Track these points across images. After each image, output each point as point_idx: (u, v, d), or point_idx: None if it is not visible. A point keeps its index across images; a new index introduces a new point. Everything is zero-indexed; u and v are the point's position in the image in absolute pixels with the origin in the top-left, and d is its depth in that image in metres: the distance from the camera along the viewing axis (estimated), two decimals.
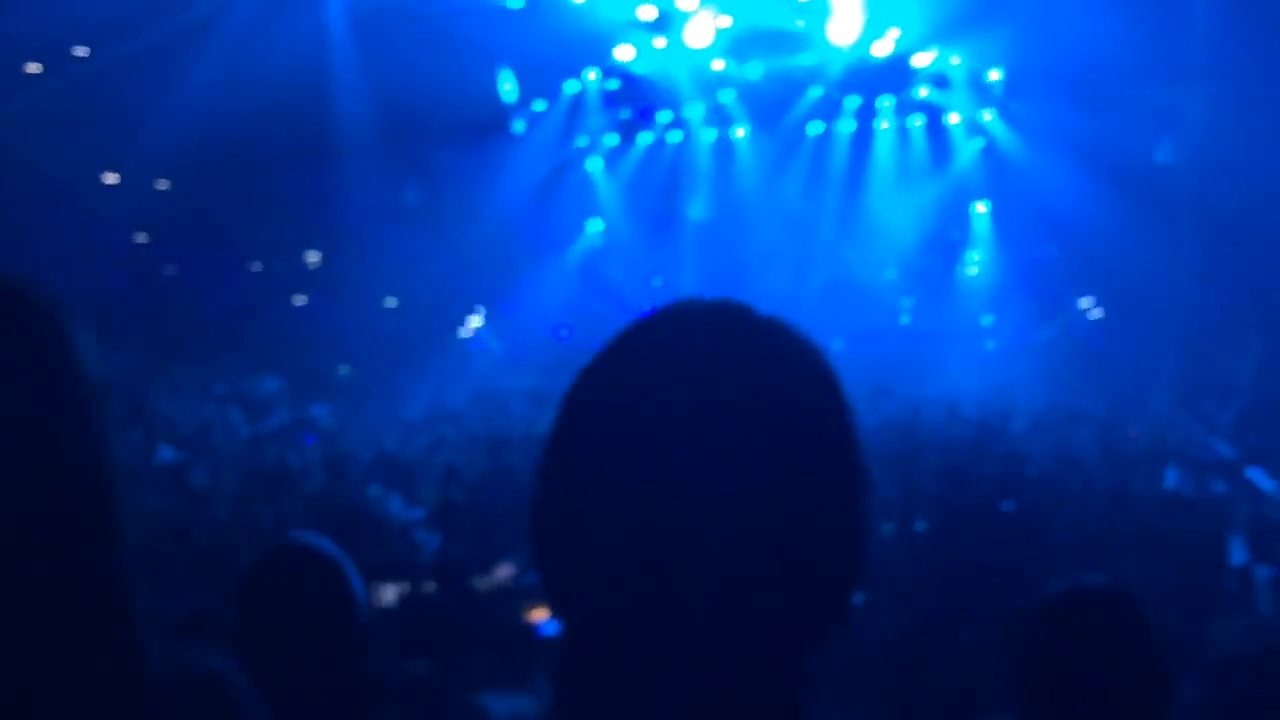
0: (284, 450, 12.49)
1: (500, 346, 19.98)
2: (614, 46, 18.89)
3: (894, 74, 19.12)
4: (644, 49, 18.98)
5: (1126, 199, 16.83)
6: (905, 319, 19.88)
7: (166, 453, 11.73)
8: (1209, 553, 7.67)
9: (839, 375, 1.13)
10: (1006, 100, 19.11)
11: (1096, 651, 2.35)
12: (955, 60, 18.98)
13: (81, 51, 16.64)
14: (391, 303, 20.49)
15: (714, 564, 1.04)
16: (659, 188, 20.77)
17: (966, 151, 19.94)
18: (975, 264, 20.37)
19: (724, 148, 20.72)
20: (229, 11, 16.08)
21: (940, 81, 19.32)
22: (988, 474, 9.56)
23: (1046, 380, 15.88)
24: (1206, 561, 7.51)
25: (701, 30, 18.22)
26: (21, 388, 1.13)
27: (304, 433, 14.00)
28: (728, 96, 19.99)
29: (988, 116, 19.50)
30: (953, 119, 19.78)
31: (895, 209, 19.70)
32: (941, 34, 18.20)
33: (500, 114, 19.79)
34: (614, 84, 20.17)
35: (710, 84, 19.74)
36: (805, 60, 19.09)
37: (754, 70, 19.27)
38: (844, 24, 18.03)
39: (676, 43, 18.46)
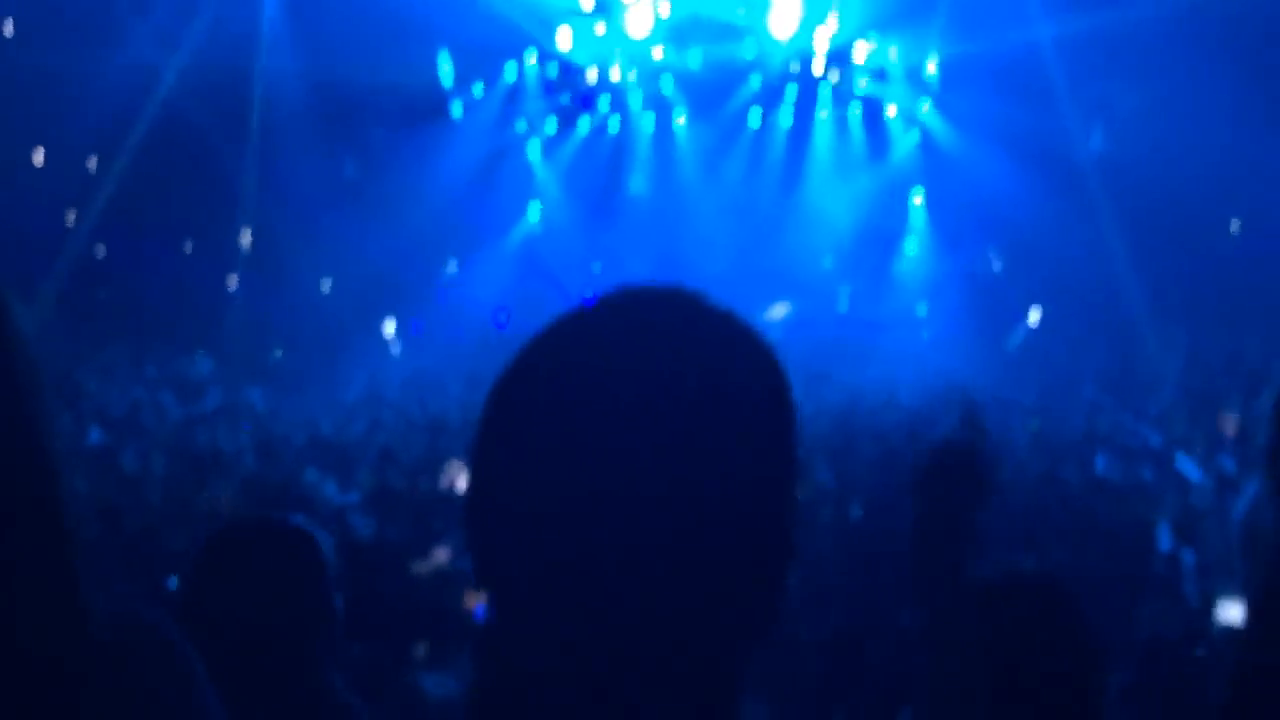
0: (216, 433, 12.33)
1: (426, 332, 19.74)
2: (554, 32, 18.83)
3: (833, 65, 19.26)
4: (584, 35, 18.95)
5: (1059, 190, 17.06)
6: (843, 307, 20.01)
7: (96, 435, 11.55)
8: (1137, 539, 7.79)
9: (781, 364, 1.12)
10: (943, 92, 19.30)
11: (1028, 637, 2.37)
12: (893, 52, 19.16)
13: (8, 29, 16.30)
14: (327, 285, 20.28)
15: (646, 552, 1.03)
16: (598, 174, 20.75)
17: (904, 143, 20.12)
18: (911, 254, 20.55)
19: (664, 135, 20.73)
20: None
21: (878, 74, 19.50)
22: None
23: (980, 369, 16.04)
24: (1135, 548, 7.63)
25: (642, 18, 18.22)
26: None
27: (237, 416, 13.83)
28: (668, 84, 20.01)
29: (925, 108, 19.68)
30: (890, 111, 19.93)
31: (833, 198, 19.83)
32: (880, 24, 18.35)
33: (438, 97, 19.65)
34: (553, 70, 20.11)
35: (650, 72, 19.75)
36: (745, 50, 19.17)
37: (694, 59, 19.31)
38: (784, 14, 18.12)
39: (617, 30, 18.43)
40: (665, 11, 18.14)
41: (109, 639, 1.17)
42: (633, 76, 19.93)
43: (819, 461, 9.59)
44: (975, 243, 19.65)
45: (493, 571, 1.10)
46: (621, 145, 20.94)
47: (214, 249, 19.86)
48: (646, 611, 1.04)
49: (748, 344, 1.12)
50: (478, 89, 20.19)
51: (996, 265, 19.93)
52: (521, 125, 20.79)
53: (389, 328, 19.74)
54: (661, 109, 20.50)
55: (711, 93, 19.83)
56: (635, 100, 20.41)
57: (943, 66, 18.92)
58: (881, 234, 20.36)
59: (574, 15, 18.49)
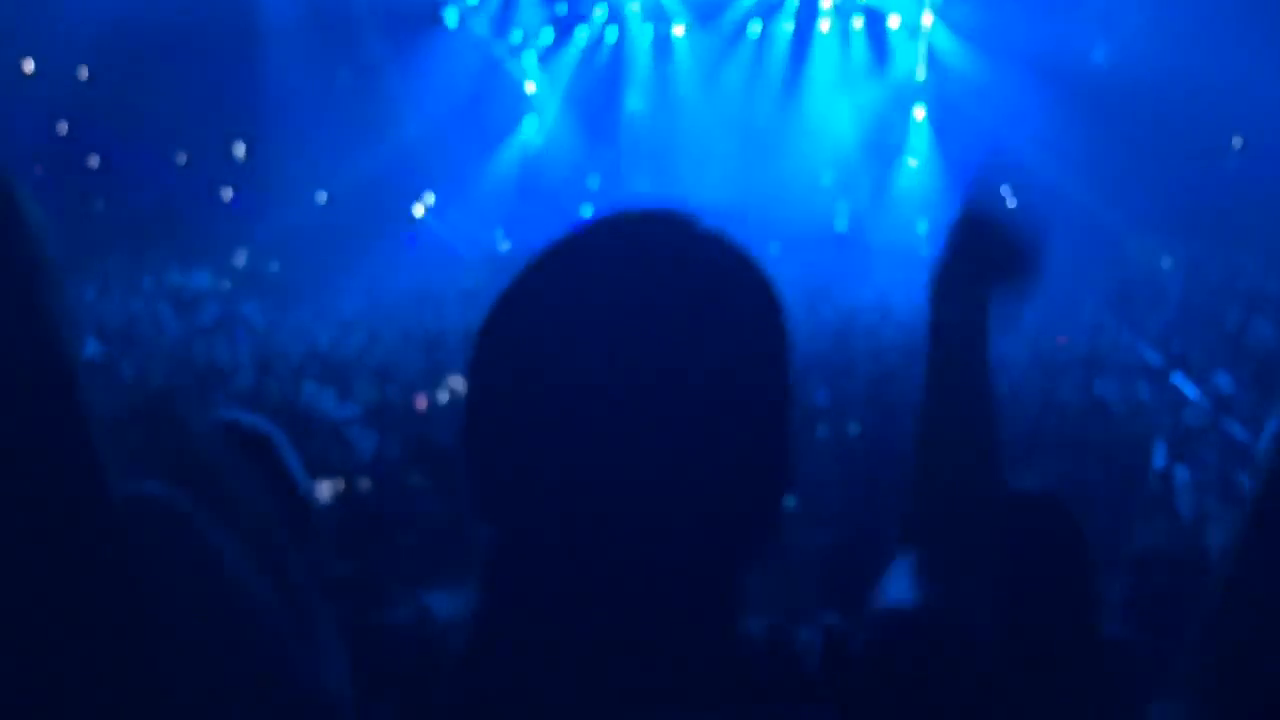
0: (213, 347, 12.31)
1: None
2: None
3: None
4: None
5: (1062, 104, 16.89)
6: (841, 224, 19.89)
7: (93, 346, 11.53)
8: (1133, 456, 7.83)
9: (776, 289, 1.14)
10: (946, 3, 19.02)
11: (1027, 554, 2.37)
12: None
13: None
14: (323, 197, 20.12)
15: (644, 471, 1.05)
16: (595, 86, 20.53)
17: (906, 55, 19.86)
18: (912, 169, 20.38)
19: (662, 46, 20.48)
20: None
21: None
22: (918, 377, 9.64)
23: None
24: (1130, 465, 7.67)
25: None
26: None
27: (234, 329, 13.78)
28: None
29: (928, 19, 19.39)
30: (893, 21, 19.65)
31: (833, 112, 19.62)
32: None
33: (433, 3, 19.38)
34: None
35: None
36: None
37: None
38: None
39: None
40: None
41: (127, 516, 1.18)
42: None
43: (816, 380, 9.60)
44: (977, 158, 19.49)
45: (490, 491, 1.11)
46: (618, 56, 20.69)
47: (209, 160, 19.69)
48: (645, 530, 1.05)
49: (741, 265, 1.15)
50: None
51: (997, 180, 19.77)
52: (517, 35, 20.52)
53: (418, 209, 19.72)
54: (660, 19, 20.23)
55: (710, 2, 19.58)
56: (633, 10, 20.13)
57: None
58: (882, 149, 20.18)
59: None
